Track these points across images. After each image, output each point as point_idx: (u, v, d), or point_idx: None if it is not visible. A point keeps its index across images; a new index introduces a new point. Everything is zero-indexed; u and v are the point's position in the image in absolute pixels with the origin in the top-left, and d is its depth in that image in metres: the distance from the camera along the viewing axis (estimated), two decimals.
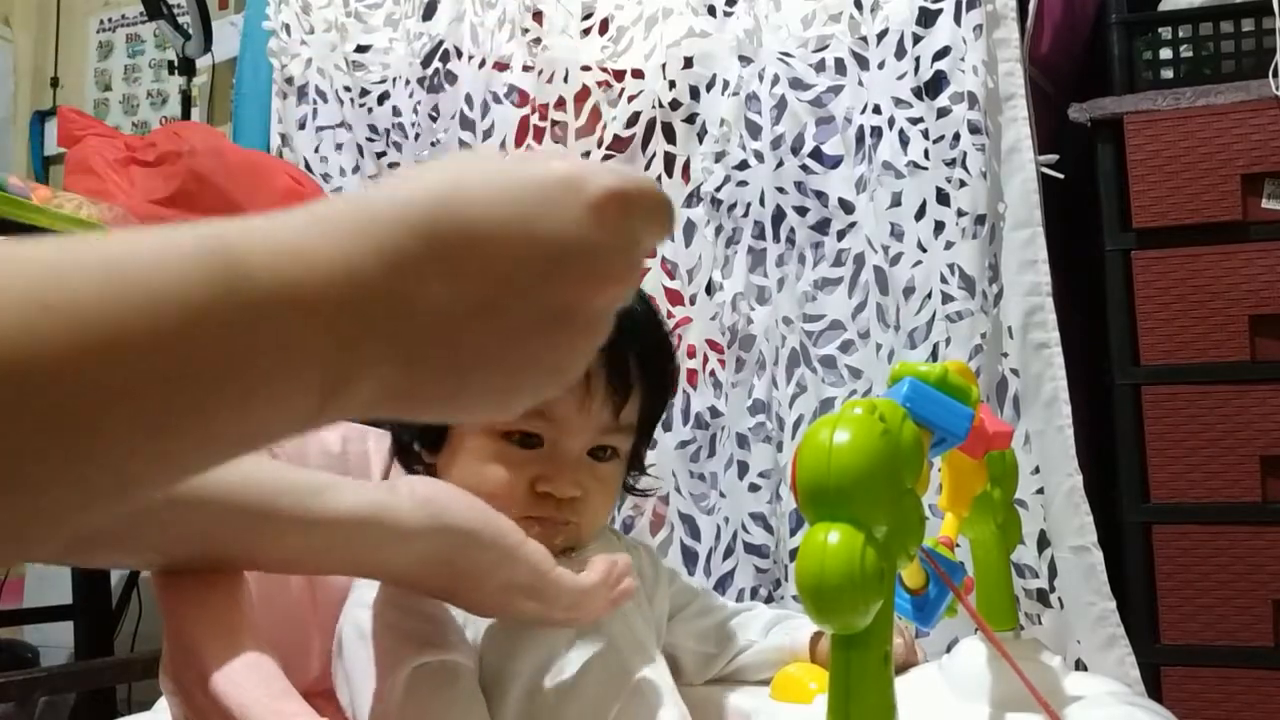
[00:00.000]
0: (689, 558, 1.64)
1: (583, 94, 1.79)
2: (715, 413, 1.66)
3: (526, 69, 1.83)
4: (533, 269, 0.41)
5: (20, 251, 0.32)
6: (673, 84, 1.73)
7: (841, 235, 1.62)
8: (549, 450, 0.79)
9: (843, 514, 0.48)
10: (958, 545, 0.71)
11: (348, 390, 0.39)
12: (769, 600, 1.59)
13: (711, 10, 1.73)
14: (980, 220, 1.53)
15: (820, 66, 1.65)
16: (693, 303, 1.68)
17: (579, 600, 0.73)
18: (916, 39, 1.59)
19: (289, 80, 2.04)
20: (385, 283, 0.38)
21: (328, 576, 0.83)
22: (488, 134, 1.83)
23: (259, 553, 0.67)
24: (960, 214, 1.54)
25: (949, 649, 0.79)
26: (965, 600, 0.60)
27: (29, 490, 0.32)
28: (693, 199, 1.69)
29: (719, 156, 1.69)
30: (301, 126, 2.03)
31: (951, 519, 0.69)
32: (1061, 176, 1.60)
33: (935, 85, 1.57)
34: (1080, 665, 1.48)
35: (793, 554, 1.57)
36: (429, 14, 1.93)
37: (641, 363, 0.81)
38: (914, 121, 1.58)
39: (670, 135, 1.74)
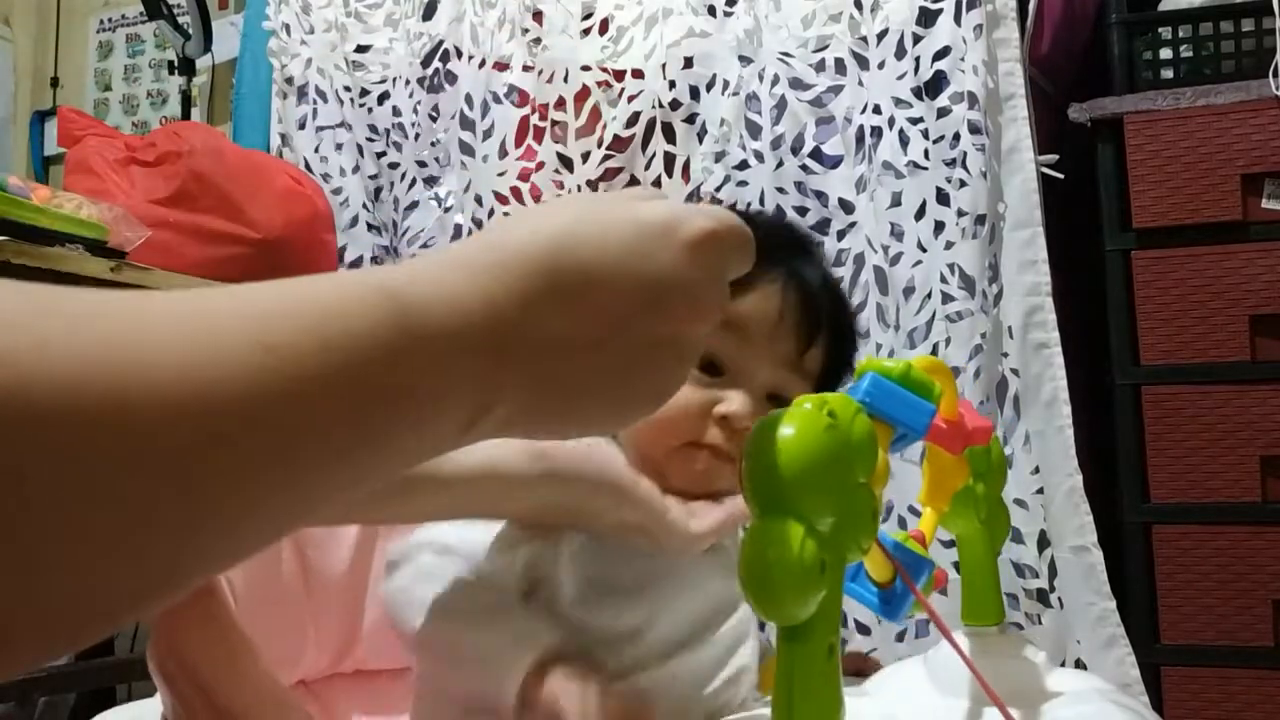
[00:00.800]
0: None
1: (583, 94, 1.79)
2: None
3: (526, 69, 1.83)
4: (638, 304, 0.45)
5: (240, 293, 0.36)
6: (673, 84, 1.73)
7: (841, 235, 1.63)
8: (731, 379, 0.80)
9: (784, 507, 0.48)
10: (940, 544, 0.71)
11: (488, 414, 0.43)
12: None
13: (711, 10, 1.73)
14: (980, 220, 1.53)
15: (820, 66, 1.65)
16: None
17: (690, 543, 0.77)
18: (916, 39, 1.59)
19: (289, 80, 2.05)
20: (518, 317, 0.42)
21: (321, 565, 0.84)
22: (488, 134, 1.83)
23: (390, 514, 0.74)
24: (960, 214, 1.54)
25: (919, 643, 0.79)
26: (920, 595, 0.61)
27: (233, 516, 0.34)
28: (693, 199, 1.69)
29: (719, 156, 1.69)
30: (301, 126, 2.03)
31: (929, 514, 0.69)
32: (1061, 176, 1.61)
33: (935, 85, 1.58)
34: (1080, 665, 1.48)
35: None
36: (429, 14, 1.93)
37: (831, 312, 0.83)
38: (914, 121, 1.58)
39: (670, 135, 1.74)
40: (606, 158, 1.76)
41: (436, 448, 0.43)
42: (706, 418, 0.79)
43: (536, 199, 1.79)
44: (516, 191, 1.82)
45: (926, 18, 1.59)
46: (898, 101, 1.59)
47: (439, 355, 0.40)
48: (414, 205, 1.94)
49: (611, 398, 0.48)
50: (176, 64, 2.54)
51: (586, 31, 1.81)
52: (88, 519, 0.29)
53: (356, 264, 1.93)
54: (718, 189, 1.68)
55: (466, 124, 1.85)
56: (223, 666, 0.62)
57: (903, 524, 1.46)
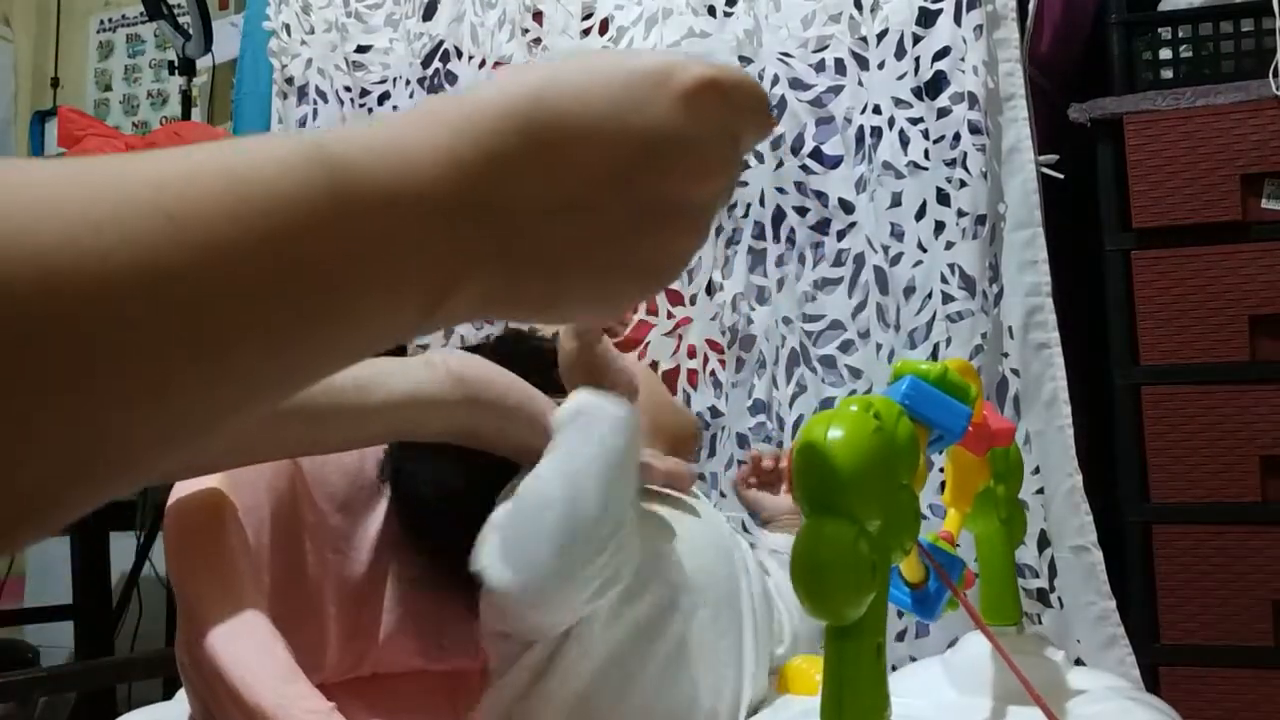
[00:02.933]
0: None
1: None
2: (715, 413, 1.66)
3: None
4: (626, 161, 0.40)
5: (143, 156, 0.32)
6: None
7: (841, 235, 1.63)
8: None
9: (836, 508, 0.49)
10: (958, 544, 0.71)
11: (455, 292, 0.38)
12: None
13: (711, 10, 1.73)
14: (980, 220, 1.53)
15: (820, 66, 1.65)
16: (693, 303, 1.68)
17: None
18: (916, 39, 1.59)
19: (289, 80, 2.05)
20: (486, 178, 0.37)
21: (341, 568, 0.84)
22: None
23: (316, 445, 0.76)
24: (960, 214, 1.54)
25: (950, 644, 0.79)
26: (961, 595, 0.61)
27: (162, 400, 0.31)
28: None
29: None
30: (302, 126, 2.03)
31: (954, 514, 0.70)
32: (1061, 176, 1.61)
33: (935, 85, 1.58)
34: (1080, 665, 1.48)
35: None
36: (429, 14, 1.93)
37: None
38: (914, 121, 1.58)
39: None
40: None
41: (396, 331, 0.38)
42: None
43: None
44: None
45: (926, 18, 1.59)
46: (898, 102, 1.59)
47: (385, 223, 0.35)
48: None
49: (601, 272, 0.42)
50: (177, 64, 2.54)
51: (587, 32, 1.81)
52: None
53: None
54: None
55: None
56: (253, 664, 0.62)
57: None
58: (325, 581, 0.84)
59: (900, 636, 1.49)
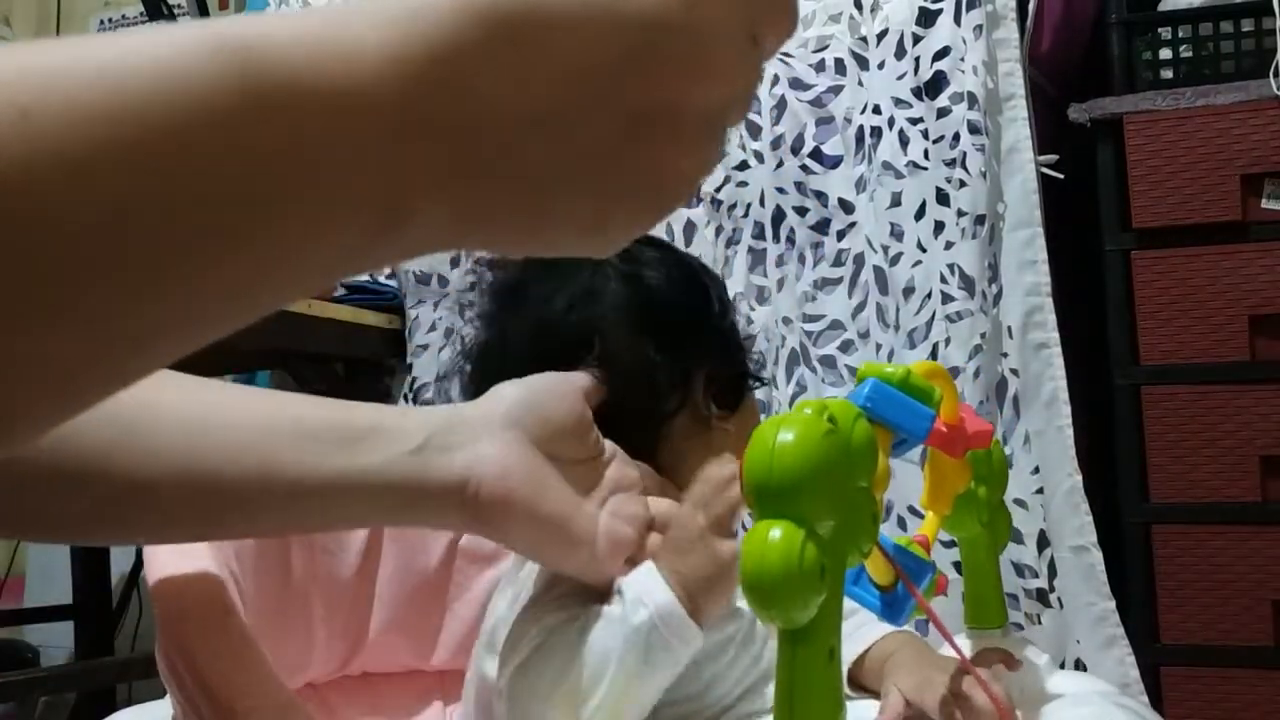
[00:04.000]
0: None
1: None
2: None
3: None
4: (615, 58, 0.34)
5: (14, 52, 0.27)
6: None
7: (841, 235, 1.63)
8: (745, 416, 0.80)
9: (785, 511, 0.49)
10: (941, 544, 0.71)
11: (409, 215, 0.33)
12: None
13: None
14: (980, 220, 1.53)
15: (820, 66, 1.65)
16: None
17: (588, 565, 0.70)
18: (916, 39, 1.59)
19: None
20: (442, 80, 0.32)
21: (330, 568, 0.83)
22: None
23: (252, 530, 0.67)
24: (960, 214, 1.54)
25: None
26: (921, 599, 0.61)
27: (23, 337, 0.27)
28: (692, 199, 1.69)
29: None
30: None
31: (932, 518, 0.70)
32: (1061, 176, 1.61)
33: (935, 85, 1.58)
34: (1080, 665, 1.48)
35: None
36: None
37: None
38: (914, 121, 1.58)
39: None
40: None
41: (334, 261, 0.33)
42: None
43: None
44: None
45: (926, 18, 1.59)
46: (898, 101, 1.59)
47: (311, 130, 0.30)
48: None
49: (591, 192, 0.36)
50: None
51: None
52: None
53: None
54: (718, 189, 1.68)
55: None
56: (229, 669, 0.62)
57: (903, 524, 1.46)
58: (313, 581, 0.83)
59: None
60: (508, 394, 0.67)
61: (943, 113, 1.56)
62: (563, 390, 0.69)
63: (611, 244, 0.38)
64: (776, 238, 1.66)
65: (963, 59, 1.56)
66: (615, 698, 0.66)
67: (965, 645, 0.75)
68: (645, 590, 0.66)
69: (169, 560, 0.65)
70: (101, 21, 3.34)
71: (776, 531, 0.48)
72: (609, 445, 0.70)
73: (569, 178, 0.35)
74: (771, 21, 0.37)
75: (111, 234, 0.27)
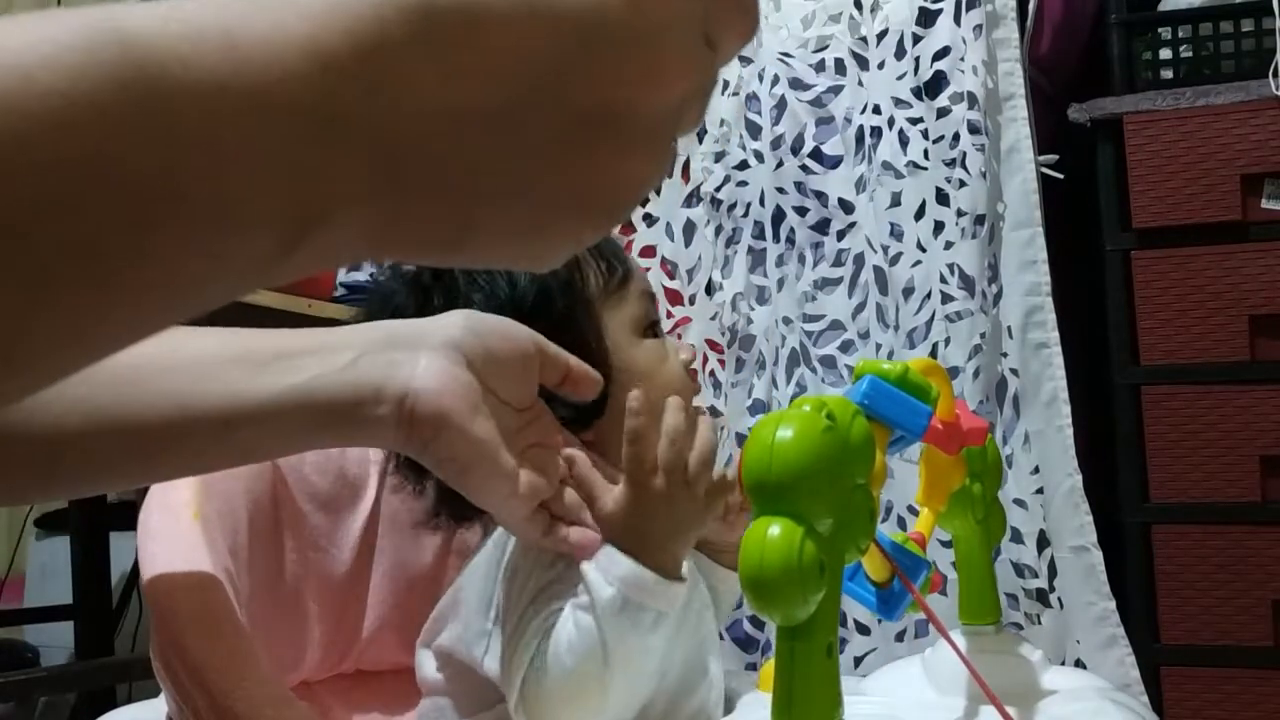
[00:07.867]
0: None
1: None
2: (715, 412, 1.66)
3: None
4: (553, 56, 0.31)
5: None
6: None
7: (841, 235, 1.63)
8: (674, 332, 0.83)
9: (784, 508, 0.49)
10: (942, 542, 0.71)
11: (324, 223, 0.30)
12: None
13: None
14: (980, 220, 1.53)
15: (820, 67, 1.65)
16: (692, 303, 1.69)
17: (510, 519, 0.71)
18: (916, 39, 1.59)
19: None
20: (361, 76, 0.29)
21: (324, 566, 0.84)
22: None
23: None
24: (960, 214, 1.54)
25: (918, 643, 0.79)
26: (918, 595, 0.61)
27: None
28: (692, 199, 1.69)
29: (719, 156, 1.69)
30: None
31: (927, 514, 0.70)
32: (1061, 176, 1.61)
33: (935, 85, 1.58)
34: (1080, 665, 1.48)
35: None
36: None
37: None
38: (914, 121, 1.58)
39: None
40: None
41: (252, 272, 0.30)
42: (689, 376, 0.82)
43: None
44: None
45: (926, 18, 1.59)
46: (897, 101, 1.59)
47: (222, 132, 0.27)
48: None
49: (529, 201, 0.33)
50: None
51: None
52: None
53: (354, 269, 1.93)
54: (718, 189, 1.68)
55: None
56: (224, 666, 0.62)
57: (902, 523, 1.46)
58: (307, 580, 0.84)
59: (899, 637, 1.49)
60: (455, 319, 0.67)
61: (942, 113, 1.56)
62: (513, 331, 0.68)
63: (551, 256, 0.35)
64: (776, 237, 1.66)
65: (962, 59, 1.56)
66: (625, 671, 0.69)
67: (960, 641, 0.75)
68: (603, 567, 0.69)
69: (164, 558, 0.65)
70: None
71: (775, 528, 0.48)
72: (540, 405, 0.71)
73: (502, 184, 0.32)
74: (728, 22, 0.35)
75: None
